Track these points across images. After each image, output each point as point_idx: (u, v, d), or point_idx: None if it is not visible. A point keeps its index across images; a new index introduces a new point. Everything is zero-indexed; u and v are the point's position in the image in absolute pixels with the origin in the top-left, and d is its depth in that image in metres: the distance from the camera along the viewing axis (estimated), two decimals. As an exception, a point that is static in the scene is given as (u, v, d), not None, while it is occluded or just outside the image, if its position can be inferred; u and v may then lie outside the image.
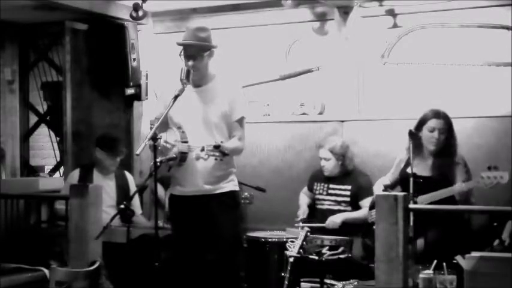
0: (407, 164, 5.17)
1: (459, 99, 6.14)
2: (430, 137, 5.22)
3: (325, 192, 6.01)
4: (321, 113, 6.59)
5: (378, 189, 5.44)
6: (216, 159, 4.53)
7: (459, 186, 5.03)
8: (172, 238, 5.08)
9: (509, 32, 5.96)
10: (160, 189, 6.20)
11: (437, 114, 5.28)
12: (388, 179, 5.53)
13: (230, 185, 4.94)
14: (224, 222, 4.84)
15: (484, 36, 6.08)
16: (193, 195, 4.89)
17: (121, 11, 6.76)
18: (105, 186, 5.88)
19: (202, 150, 4.50)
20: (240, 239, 5.24)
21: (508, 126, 5.86)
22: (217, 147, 4.47)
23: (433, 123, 5.25)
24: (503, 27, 5.99)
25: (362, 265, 5.11)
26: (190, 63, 4.82)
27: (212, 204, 4.85)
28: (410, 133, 5.05)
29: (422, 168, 5.19)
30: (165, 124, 4.86)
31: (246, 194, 6.07)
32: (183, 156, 4.72)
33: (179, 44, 4.89)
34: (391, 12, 6.41)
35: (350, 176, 6.00)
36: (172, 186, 5.05)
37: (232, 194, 4.94)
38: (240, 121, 4.91)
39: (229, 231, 4.87)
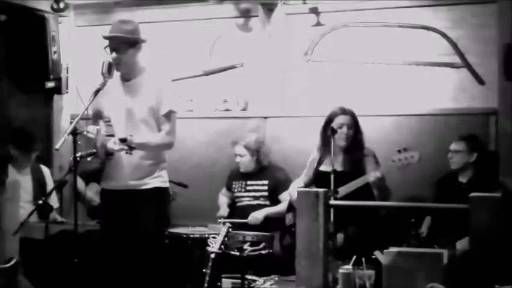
0: (320, 162, 5.35)
1: (379, 97, 6.26)
2: (340, 133, 5.31)
3: (243, 189, 6.05)
4: (244, 109, 6.61)
5: (293, 191, 5.45)
6: (125, 152, 4.50)
7: (372, 174, 5.13)
8: (100, 232, 5.04)
9: (429, 32, 6.09)
10: (80, 184, 6.09)
11: (344, 111, 5.38)
12: (302, 180, 5.59)
13: (156, 181, 4.90)
14: (146, 219, 4.80)
15: (404, 36, 6.19)
16: (119, 189, 4.86)
17: (42, 3, 6.60)
18: (21, 181, 5.74)
19: (115, 143, 4.49)
20: (162, 236, 5.20)
21: (426, 125, 6.01)
22: (123, 141, 4.44)
23: (341, 119, 5.35)
24: (423, 27, 6.11)
25: (283, 260, 5.13)
26: (113, 55, 4.77)
27: (136, 200, 4.82)
28: (332, 130, 5.13)
29: (335, 164, 5.25)
30: (98, 118, 4.82)
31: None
32: (108, 150, 4.67)
33: (104, 37, 4.83)
34: (314, 11, 6.46)
35: (266, 171, 6.05)
36: (103, 180, 5.00)
37: (157, 190, 4.90)
38: (168, 115, 4.85)
39: (151, 228, 4.83)
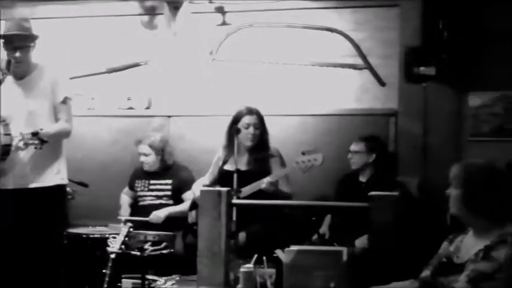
0: (225, 161, 5.33)
1: (285, 97, 6.29)
2: (246, 133, 5.31)
3: (146, 189, 5.98)
4: (147, 108, 6.54)
5: (197, 190, 5.40)
6: (35, 147, 4.38)
7: (270, 176, 5.14)
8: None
9: (333, 33, 6.16)
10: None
11: (250, 111, 5.37)
12: (207, 179, 5.56)
13: (55, 178, 4.82)
14: (43, 218, 4.69)
15: (309, 37, 6.25)
16: (16, 188, 4.74)
17: None
18: None
19: (21, 139, 4.35)
20: (60, 237, 5.08)
21: (331, 125, 6.09)
22: (35, 134, 4.33)
23: (247, 119, 5.33)
24: (327, 29, 6.18)
25: (185, 260, 5.09)
26: (17, 54, 4.66)
27: (32, 199, 4.70)
28: (236, 130, 5.12)
29: (240, 163, 5.26)
30: None
31: (68, 189, 5.87)
32: (6, 149, 4.53)
33: (5, 35, 4.69)
34: (220, 10, 6.44)
35: (170, 170, 6.01)
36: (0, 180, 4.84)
37: (56, 188, 4.81)
38: (64, 102, 4.80)
39: (49, 228, 4.72)
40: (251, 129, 5.33)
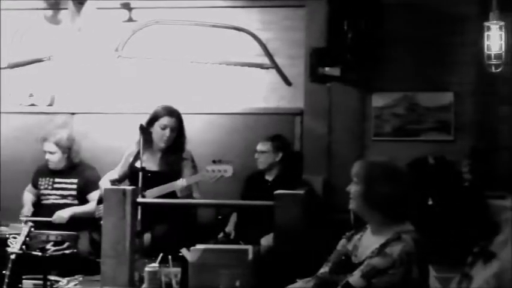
0: (137, 158, 5.15)
1: (192, 95, 6.27)
2: (161, 134, 5.22)
3: (50, 187, 5.83)
4: (50, 105, 6.39)
5: (105, 183, 5.32)
6: None
7: (181, 181, 5.09)
8: None
9: (240, 33, 6.18)
10: None
11: (171, 113, 5.26)
12: (116, 173, 5.46)
13: None
14: None
15: (217, 36, 6.25)
16: None
17: None
18: None
19: None
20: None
21: (238, 123, 6.11)
22: None
23: (165, 120, 5.24)
24: (234, 28, 6.20)
25: (88, 260, 5.00)
26: None
27: None
28: (142, 128, 5.03)
29: (151, 163, 5.20)
30: None
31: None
32: None
33: None
34: (126, 6, 6.36)
35: (76, 169, 5.88)
36: None
37: None
38: None
39: None
40: (167, 132, 5.23)
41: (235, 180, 5.70)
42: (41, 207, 5.86)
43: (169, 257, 4.01)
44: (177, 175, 5.16)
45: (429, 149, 5.87)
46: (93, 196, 5.68)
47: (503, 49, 5.45)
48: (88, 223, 5.50)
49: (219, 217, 5.53)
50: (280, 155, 5.59)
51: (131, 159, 5.34)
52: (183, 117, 5.32)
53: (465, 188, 5.57)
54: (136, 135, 5.10)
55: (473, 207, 5.21)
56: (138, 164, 5.01)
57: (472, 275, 2.76)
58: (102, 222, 4.17)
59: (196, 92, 6.27)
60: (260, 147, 5.61)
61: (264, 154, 5.59)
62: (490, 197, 5.26)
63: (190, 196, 5.12)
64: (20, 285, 4.65)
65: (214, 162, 5.04)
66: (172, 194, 5.07)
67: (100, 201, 5.35)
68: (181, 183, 5.05)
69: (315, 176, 5.87)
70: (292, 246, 3.90)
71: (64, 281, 4.50)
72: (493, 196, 5.24)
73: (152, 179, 4.90)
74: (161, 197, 5.01)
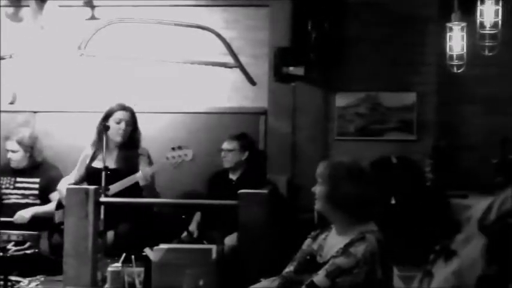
0: (93, 158, 5.27)
1: (155, 94, 6.24)
2: (117, 128, 5.30)
3: (11, 186, 5.76)
4: (12, 103, 6.31)
5: (63, 189, 5.26)
6: None
7: (143, 170, 5.15)
8: None
9: (204, 31, 6.16)
10: None
11: (124, 107, 5.39)
12: (72, 177, 5.45)
13: None
14: None
15: (180, 34, 6.22)
16: None
17: None
18: None
19: None
20: None
21: (202, 122, 6.10)
22: None
23: (119, 114, 5.34)
24: (198, 26, 6.17)
25: (50, 260, 4.96)
26: None
27: None
28: (105, 126, 5.07)
29: (109, 160, 5.20)
30: None
31: None
32: None
33: None
34: (89, 4, 6.29)
35: (39, 168, 5.82)
36: None
37: None
38: None
39: None
40: (122, 125, 5.31)
41: (200, 178, 5.75)
42: (1, 207, 5.78)
43: (133, 256, 3.99)
44: (135, 171, 5.21)
45: (392, 149, 5.92)
46: (55, 196, 5.63)
47: (464, 50, 5.52)
48: (50, 223, 5.45)
49: (183, 216, 5.51)
50: (247, 153, 5.60)
51: (88, 160, 5.35)
52: (148, 116, 5.35)
53: (427, 187, 5.63)
54: (92, 137, 5.24)
55: (436, 207, 5.27)
56: (95, 164, 5.01)
57: (433, 272, 2.78)
58: (64, 222, 4.16)
59: (160, 91, 6.24)
60: (226, 145, 5.62)
61: (230, 152, 5.59)
62: (452, 196, 5.34)
63: (152, 187, 5.13)
64: (-21, 286, 4.60)
65: (173, 149, 5.12)
66: (134, 189, 5.07)
67: (58, 206, 5.32)
68: (143, 172, 5.09)
69: (279, 176, 5.89)
70: (256, 246, 3.91)
71: (25, 281, 4.48)
72: (454, 195, 5.32)
73: (111, 177, 4.90)
74: (125, 191, 5.00)
